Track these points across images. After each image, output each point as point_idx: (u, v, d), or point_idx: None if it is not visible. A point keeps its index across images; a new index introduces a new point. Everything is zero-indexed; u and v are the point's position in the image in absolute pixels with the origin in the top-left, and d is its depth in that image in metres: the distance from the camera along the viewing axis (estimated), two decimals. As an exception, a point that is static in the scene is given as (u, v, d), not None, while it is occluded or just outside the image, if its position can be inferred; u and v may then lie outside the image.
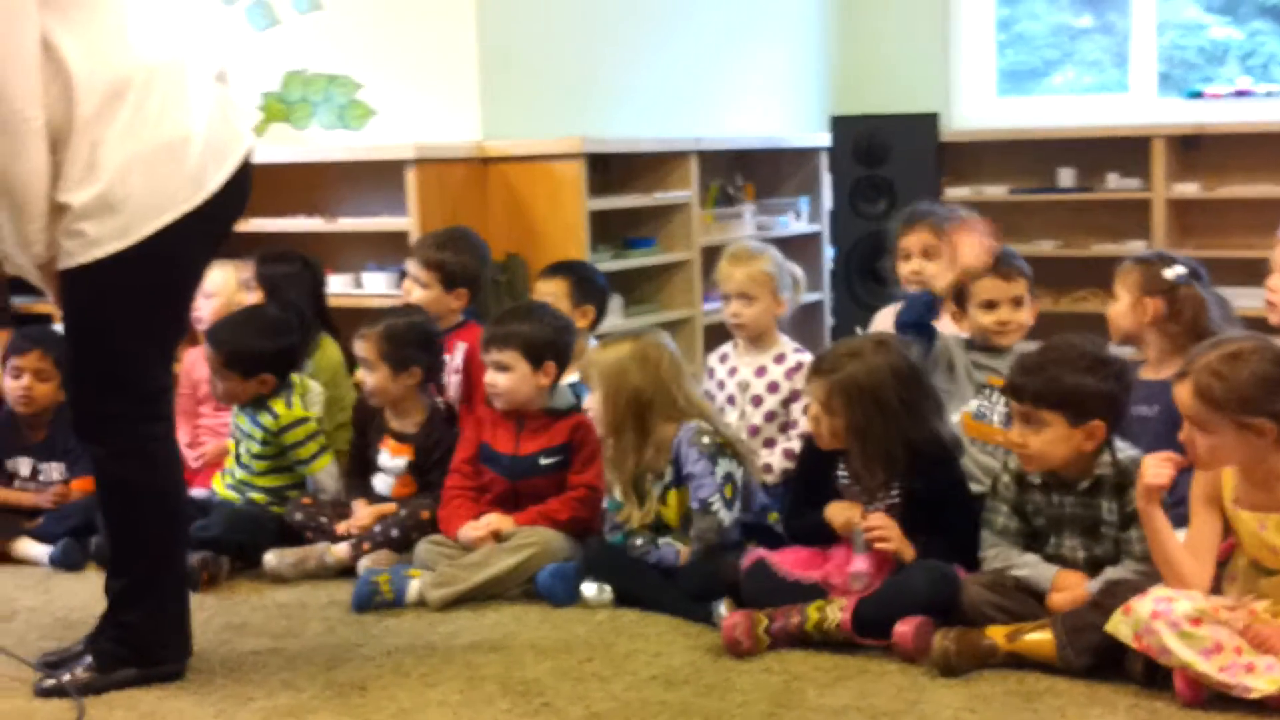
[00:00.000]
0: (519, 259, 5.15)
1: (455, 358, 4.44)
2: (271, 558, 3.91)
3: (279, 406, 4.17)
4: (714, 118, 6.48)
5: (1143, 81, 7.18)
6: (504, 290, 5.06)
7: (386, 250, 5.15)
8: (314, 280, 4.71)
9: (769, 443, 4.13)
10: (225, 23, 5.53)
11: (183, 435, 4.52)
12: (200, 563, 3.81)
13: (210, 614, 3.60)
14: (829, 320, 6.59)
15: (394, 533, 3.93)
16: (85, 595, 3.76)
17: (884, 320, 4.30)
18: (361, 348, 4.10)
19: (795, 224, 6.53)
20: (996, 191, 7.05)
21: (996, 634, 3.11)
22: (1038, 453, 3.19)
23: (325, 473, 4.20)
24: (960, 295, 3.96)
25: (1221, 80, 7.21)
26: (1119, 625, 2.90)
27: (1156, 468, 2.98)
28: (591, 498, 3.83)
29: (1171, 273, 3.67)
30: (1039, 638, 3.07)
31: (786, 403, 4.15)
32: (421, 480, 4.08)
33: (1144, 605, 2.86)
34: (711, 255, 4.46)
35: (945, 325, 3.93)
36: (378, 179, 5.19)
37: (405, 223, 4.95)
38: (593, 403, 3.71)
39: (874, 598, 3.25)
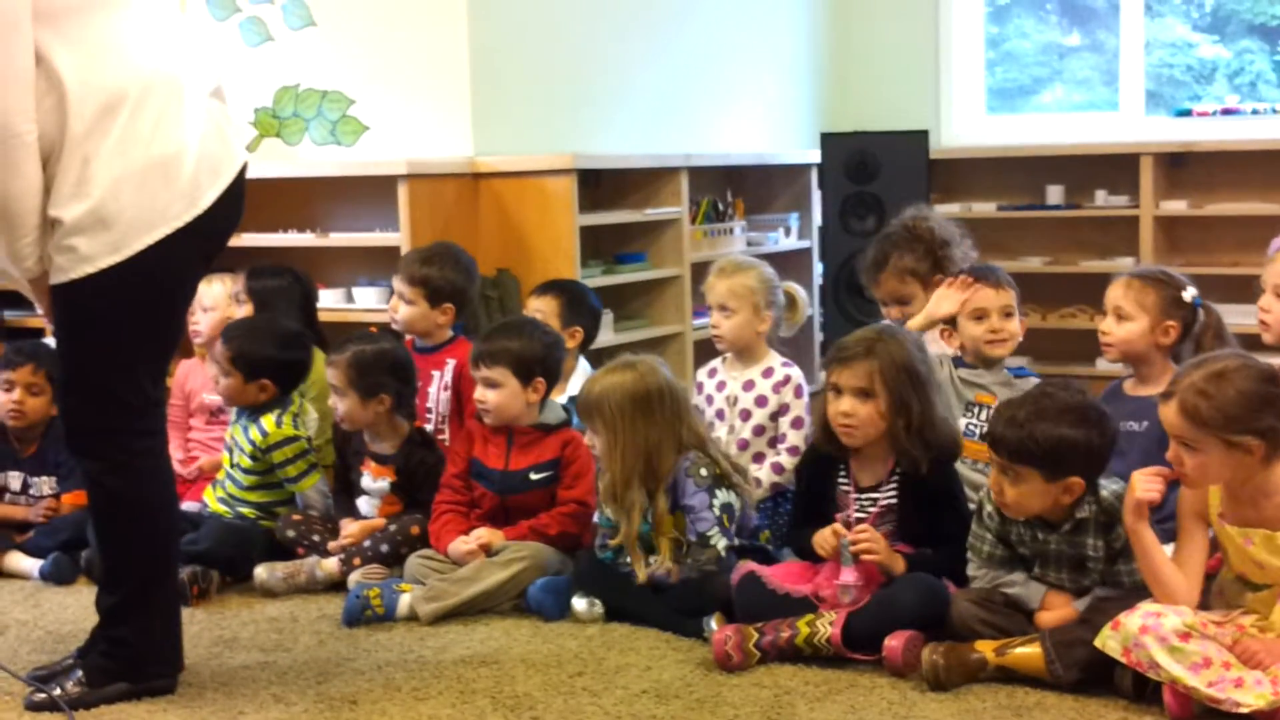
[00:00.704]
0: (510, 274, 5.16)
1: (445, 374, 4.44)
2: (262, 572, 3.91)
3: (269, 423, 4.17)
4: (704, 134, 6.50)
5: (1131, 99, 7.21)
6: (495, 306, 5.07)
7: (378, 265, 5.16)
8: (304, 294, 4.72)
9: (758, 457, 4.14)
10: (218, 39, 5.55)
11: (174, 448, 4.53)
12: (190, 577, 3.80)
13: (201, 628, 3.60)
14: (818, 336, 6.61)
15: (384, 547, 3.93)
16: (76, 609, 3.76)
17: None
18: (331, 375, 4.10)
19: (785, 240, 6.55)
20: (986, 208, 7.07)
21: (985, 648, 3.12)
22: (1014, 502, 3.17)
23: (314, 490, 4.20)
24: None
25: (1209, 98, 7.25)
26: (1108, 640, 2.91)
27: (1147, 483, 2.97)
28: (582, 513, 3.83)
29: (1189, 294, 3.68)
30: (1028, 652, 3.08)
31: (775, 416, 4.16)
32: (408, 499, 4.08)
33: (1133, 620, 2.87)
34: (701, 271, 4.48)
35: (934, 343, 3.95)
36: (369, 194, 5.20)
37: (397, 238, 4.96)
38: (597, 445, 3.67)
39: (863, 612, 3.26)
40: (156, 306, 3.01)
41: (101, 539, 3.12)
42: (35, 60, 2.80)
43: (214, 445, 4.63)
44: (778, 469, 4.10)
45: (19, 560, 4.14)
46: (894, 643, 3.15)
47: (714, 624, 3.37)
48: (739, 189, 6.48)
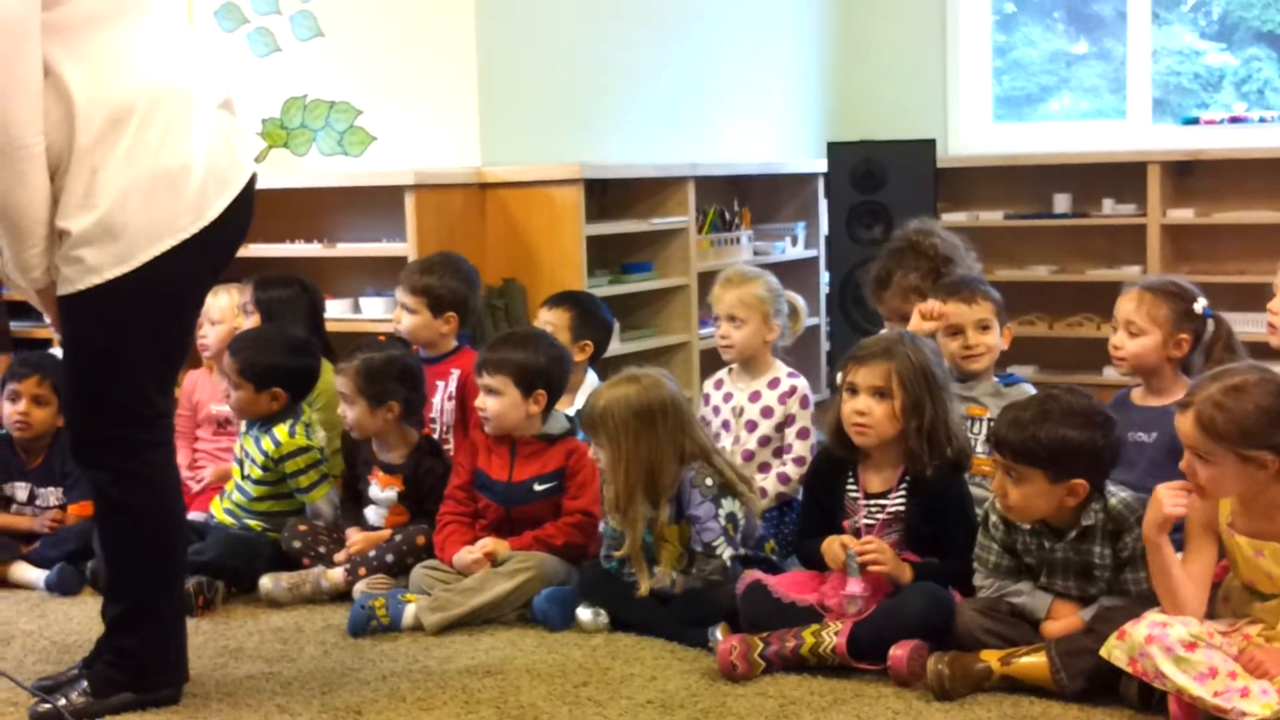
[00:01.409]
0: (517, 284, 5.16)
1: (450, 384, 4.44)
2: (267, 582, 3.91)
3: (282, 434, 4.17)
4: (711, 143, 6.51)
5: (1138, 108, 7.21)
6: (501, 316, 5.07)
7: (385, 275, 5.16)
8: (312, 305, 4.72)
9: (764, 467, 4.14)
10: (226, 49, 5.57)
11: (181, 458, 4.53)
12: (196, 587, 3.80)
13: (206, 638, 3.60)
14: (825, 345, 6.61)
15: (389, 558, 3.93)
16: (81, 620, 3.76)
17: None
18: (340, 382, 4.11)
19: (792, 249, 6.56)
20: (992, 217, 7.07)
21: (991, 658, 3.11)
22: (1017, 505, 3.17)
23: (324, 500, 4.21)
24: None
25: (1217, 106, 7.24)
26: (1113, 649, 2.90)
27: (1174, 497, 2.93)
28: (587, 524, 3.83)
29: (1200, 306, 3.67)
30: (1033, 661, 3.08)
31: (780, 427, 4.16)
32: (416, 509, 4.08)
33: (1139, 630, 2.86)
34: (708, 280, 4.48)
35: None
36: (377, 205, 5.21)
37: (404, 248, 4.97)
38: (601, 459, 3.67)
39: (869, 621, 3.25)
40: (164, 317, 3.01)
41: (108, 549, 3.12)
42: (44, 72, 2.81)
43: (221, 456, 4.64)
44: (783, 479, 4.09)
45: (25, 571, 4.15)
46: (899, 652, 3.15)
47: (719, 634, 3.36)
48: (745, 198, 6.48)
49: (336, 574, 3.93)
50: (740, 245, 6.19)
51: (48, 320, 3.10)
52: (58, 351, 3.92)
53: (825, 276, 6.67)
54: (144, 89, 2.90)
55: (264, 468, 4.19)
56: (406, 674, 3.34)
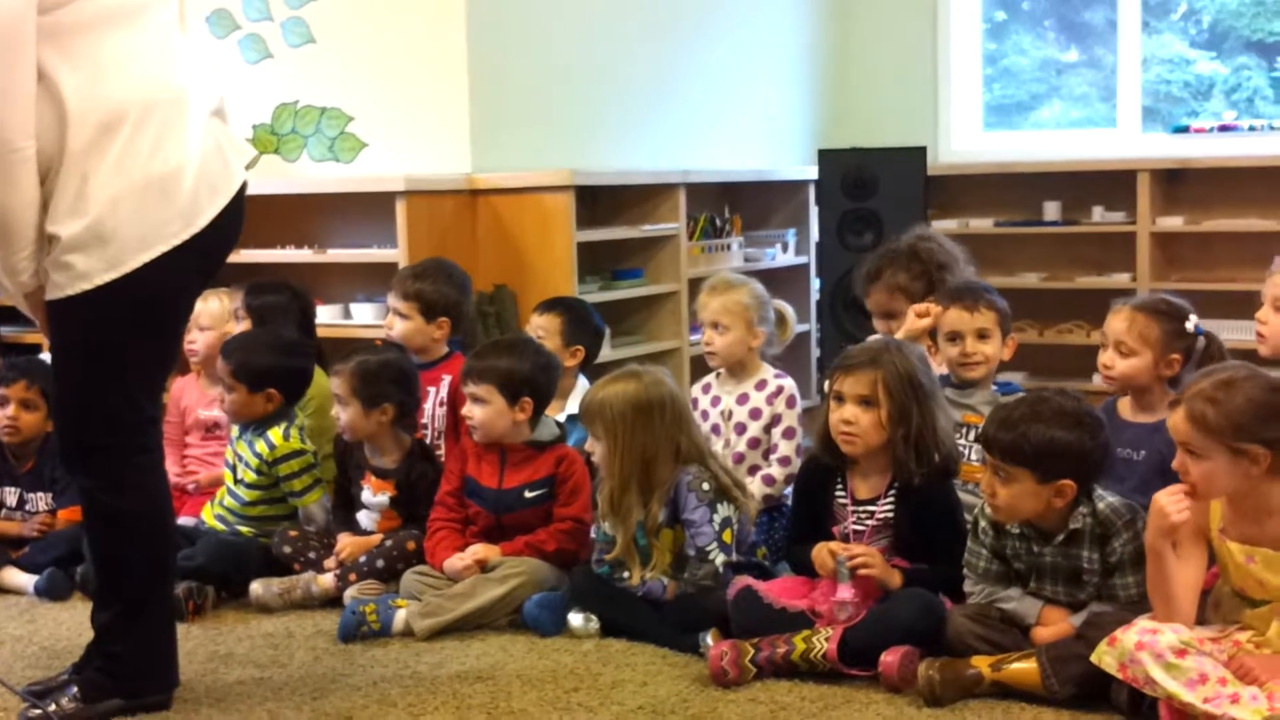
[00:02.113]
0: (507, 290, 5.16)
1: (441, 390, 4.44)
2: (257, 587, 3.91)
3: (276, 436, 4.17)
4: (702, 150, 6.51)
5: (1128, 116, 7.22)
6: (492, 322, 5.07)
7: (376, 281, 5.16)
8: (302, 310, 4.72)
9: (753, 470, 4.15)
10: (218, 56, 5.56)
11: (171, 464, 4.53)
12: (186, 592, 3.80)
13: (196, 644, 3.59)
14: (815, 352, 6.61)
15: (380, 563, 3.92)
16: (71, 625, 3.76)
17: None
18: (335, 384, 4.10)
19: (782, 256, 6.55)
20: (983, 224, 7.07)
21: (981, 664, 3.12)
22: (1005, 504, 3.18)
23: (317, 505, 4.20)
24: (933, 329, 3.99)
25: (1206, 115, 7.26)
26: (1104, 656, 2.90)
27: (1176, 504, 2.91)
28: (578, 530, 3.83)
29: (1191, 324, 3.66)
30: (1023, 667, 3.08)
31: (769, 428, 4.17)
32: (406, 514, 4.07)
33: (1129, 636, 2.86)
34: (699, 287, 4.48)
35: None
36: (368, 211, 5.21)
37: (395, 254, 4.96)
38: (596, 451, 3.69)
39: (860, 627, 3.26)
40: (153, 323, 3.01)
41: (97, 555, 3.11)
42: (38, 76, 2.81)
43: (211, 461, 4.63)
44: (768, 480, 4.11)
45: (14, 576, 4.14)
46: (890, 658, 3.15)
47: (710, 639, 3.37)
48: (736, 205, 6.48)
49: (327, 579, 3.92)
50: (731, 252, 6.19)
51: (36, 324, 3.09)
52: (47, 357, 3.92)
53: (816, 283, 6.67)
54: (137, 95, 2.90)
55: (258, 471, 4.18)
56: (397, 679, 3.34)
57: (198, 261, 3.01)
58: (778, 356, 4.42)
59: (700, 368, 4.73)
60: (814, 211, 6.68)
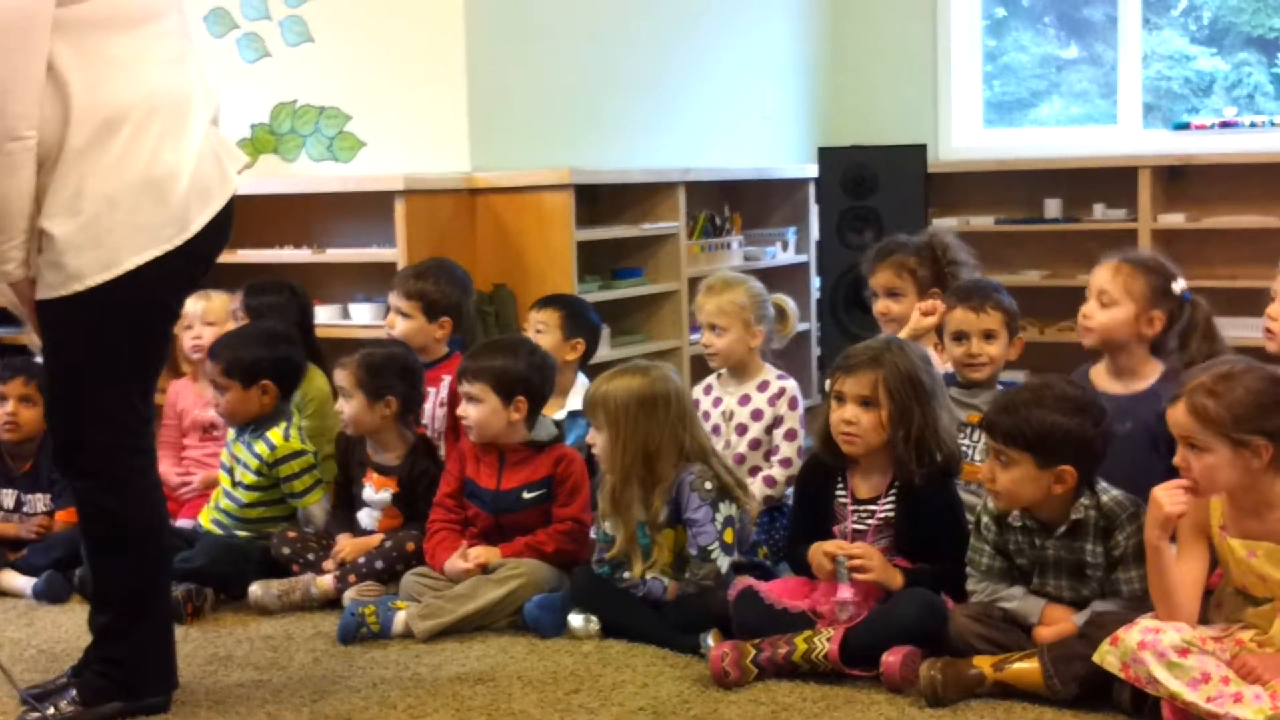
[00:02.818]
0: (507, 289, 5.15)
1: (441, 390, 4.43)
2: (257, 589, 3.89)
3: (276, 437, 4.16)
4: (702, 149, 6.50)
5: (1129, 112, 7.21)
6: (492, 321, 5.06)
7: (375, 281, 5.15)
8: (301, 310, 4.70)
9: (754, 471, 4.13)
10: (215, 55, 5.54)
11: (167, 467, 4.52)
12: (185, 595, 3.79)
13: (195, 646, 3.58)
14: (815, 350, 6.60)
15: (379, 564, 3.91)
16: (69, 627, 3.74)
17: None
18: (339, 376, 4.10)
19: (783, 255, 6.55)
20: (983, 222, 7.07)
21: (983, 663, 3.10)
22: (1005, 490, 3.17)
23: (318, 506, 4.19)
24: (940, 327, 3.97)
25: (1207, 111, 7.25)
26: (1106, 655, 2.89)
27: (1173, 497, 2.91)
28: (577, 531, 3.82)
29: (1179, 286, 3.63)
30: (1026, 667, 3.07)
31: (770, 429, 4.16)
32: (408, 511, 4.06)
33: (1131, 635, 2.86)
34: (699, 286, 4.47)
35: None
36: (366, 210, 5.20)
37: (393, 254, 4.96)
38: (599, 443, 3.68)
39: (861, 627, 3.24)
40: (145, 325, 3.00)
41: (93, 557, 3.10)
42: (47, 69, 2.80)
43: (209, 462, 4.62)
44: (769, 482, 4.09)
45: (12, 578, 4.12)
46: (892, 658, 3.14)
47: (711, 640, 3.36)
48: (736, 203, 6.48)
49: (326, 581, 3.91)
50: (731, 250, 6.18)
51: (22, 317, 3.07)
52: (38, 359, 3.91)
53: (816, 281, 6.67)
54: (141, 98, 2.90)
55: (257, 472, 4.17)
56: (397, 681, 3.33)
57: (188, 264, 3.01)
58: (779, 353, 4.40)
59: (700, 367, 4.73)
60: (814, 210, 6.68)
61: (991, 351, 3.87)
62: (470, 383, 3.88)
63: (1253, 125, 6.97)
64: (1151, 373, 3.60)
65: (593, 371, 4.60)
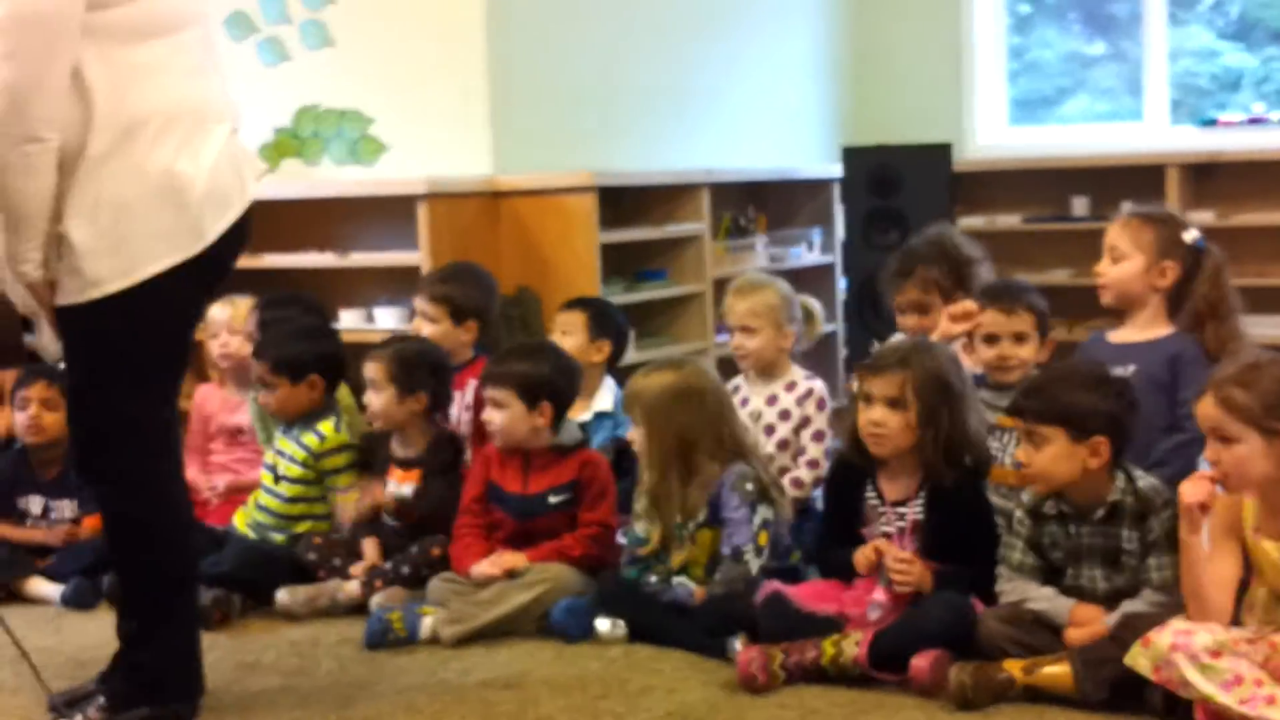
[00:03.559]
0: (531, 293, 5.14)
1: (466, 394, 4.42)
2: (284, 595, 3.89)
3: (327, 428, 4.19)
4: (726, 149, 6.48)
5: (1156, 109, 7.17)
6: (516, 325, 5.05)
7: (398, 285, 5.15)
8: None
9: (782, 472, 4.11)
10: (235, 59, 5.55)
11: (194, 471, 4.53)
12: (214, 601, 3.79)
13: (223, 652, 3.58)
14: (842, 351, 6.57)
15: (405, 569, 3.91)
16: (97, 634, 3.74)
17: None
18: (370, 369, 4.11)
19: (808, 255, 6.53)
20: (1010, 221, 7.02)
21: (1013, 667, 3.08)
22: (1041, 470, 3.18)
23: (354, 505, 4.18)
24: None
25: (1235, 107, 7.19)
26: (1138, 658, 2.86)
27: (1195, 487, 2.92)
28: (604, 534, 3.81)
29: (1190, 236, 3.60)
30: (1056, 671, 3.05)
31: (798, 430, 4.14)
32: (425, 504, 4.04)
33: (1163, 638, 2.83)
34: (724, 287, 4.47)
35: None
36: (389, 214, 5.20)
37: (416, 257, 4.95)
38: (636, 438, 3.69)
39: (890, 631, 3.22)
40: (164, 330, 3.01)
41: (117, 564, 3.11)
42: (72, 74, 2.81)
43: (236, 468, 4.63)
44: (797, 484, 4.08)
45: (40, 585, 4.13)
46: (921, 662, 3.12)
47: (738, 645, 3.34)
48: (761, 204, 6.46)
49: (353, 587, 3.90)
50: (756, 251, 6.16)
51: (40, 322, 3.07)
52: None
53: (842, 282, 6.65)
54: (162, 106, 2.91)
55: (303, 464, 4.19)
56: (424, 687, 3.32)
57: (205, 272, 3.01)
58: (805, 354, 4.39)
59: (726, 369, 4.71)
60: (839, 210, 6.65)
61: (1023, 354, 3.83)
62: (495, 388, 3.88)
63: (1281, 121, 6.92)
64: (1161, 326, 3.62)
65: (620, 374, 4.59)
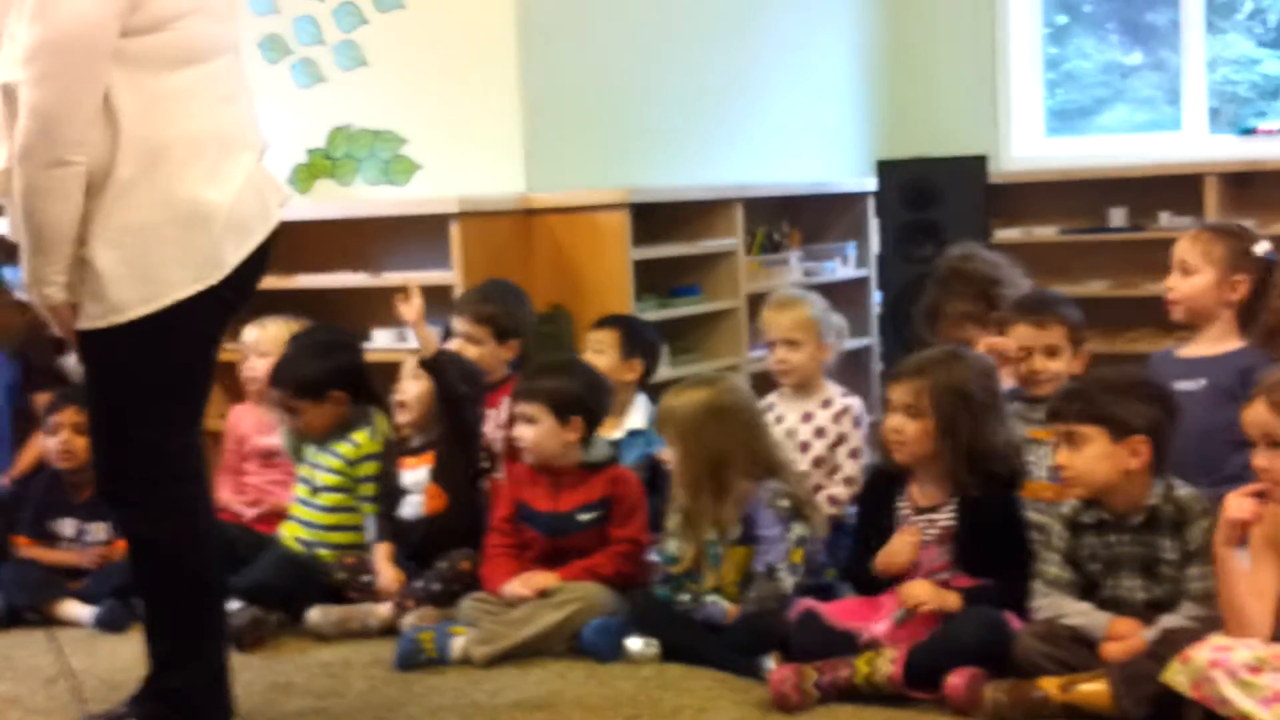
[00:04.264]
0: (564, 311, 5.13)
1: (501, 412, 4.41)
2: (315, 614, 3.89)
3: (361, 437, 4.23)
4: (759, 164, 6.46)
5: (1194, 118, 7.10)
6: (550, 343, 5.04)
7: (431, 304, 5.09)
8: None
9: (817, 489, 4.08)
10: (269, 81, 5.57)
11: (229, 492, 4.54)
12: (251, 622, 3.79)
13: (255, 674, 3.57)
14: (877, 366, 6.53)
15: (435, 587, 3.90)
16: (129, 656, 3.73)
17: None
18: (409, 366, 4.16)
19: (842, 269, 6.49)
20: (1046, 232, 6.97)
21: (1049, 685, 3.04)
22: (1082, 472, 3.16)
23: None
24: None
25: (1274, 116, 7.11)
26: (1176, 675, 2.82)
27: (1239, 501, 2.89)
28: (635, 552, 3.80)
29: (1261, 248, 3.56)
30: (1094, 688, 3.01)
31: (834, 447, 4.11)
32: (450, 485, 4.06)
33: (1201, 654, 2.79)
34: (758, 303, 4.44)
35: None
36: (422, 233, 5.19)
37: (450, 276, 4.95)
38: (669, 457, 3.69)
39: (924, 648, 3.19)
40: (186, 356, 3.00)
41: (144, 588, 3.10)
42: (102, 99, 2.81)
43: (270, 489, 4.62)
44: (832, 501, 4.04)
45: (73, 607, 4.14)
46: (956, 680, 3.09)
47: (771, 663, 3.31)
48: (795, 219, 6.43)
49: (385, 609, 3.89)
50: (790, 266, 6.12)
51: (63, 341, 3.08)
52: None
53: (877, 296, 6.61)
54: (189, 133, 2.90)
55: (338, 472, 4.21)
56: (455, 708, 3.31)
57: (228, 298, 3.01)
58: (840, 370, 4.36)
59: (760, 385, 4.68)
60: (874, 223, 6.62)
61: (1054, 368, 3.77)
62: (526, 403, 3.87)
63: (1321, 129, 6.84)
64: (1233, 341, 3.60)
65: (653, 391, 4.58)
